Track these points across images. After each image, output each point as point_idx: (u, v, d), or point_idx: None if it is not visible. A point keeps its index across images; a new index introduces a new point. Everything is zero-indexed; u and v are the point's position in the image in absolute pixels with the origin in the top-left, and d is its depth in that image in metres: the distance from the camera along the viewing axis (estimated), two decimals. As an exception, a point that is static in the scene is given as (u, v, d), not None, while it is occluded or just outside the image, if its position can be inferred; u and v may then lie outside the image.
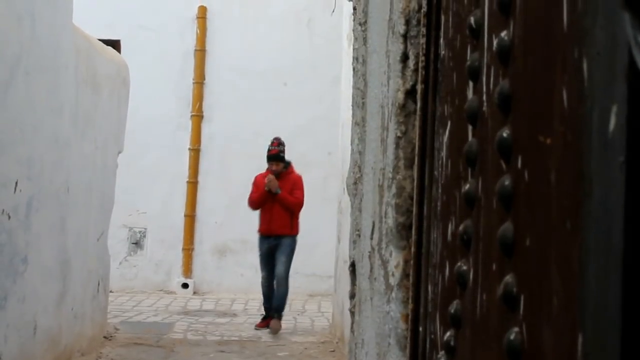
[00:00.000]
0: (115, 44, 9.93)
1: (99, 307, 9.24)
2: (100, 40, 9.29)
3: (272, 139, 10.70)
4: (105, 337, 9.55)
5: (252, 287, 12.81)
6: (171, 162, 13.97)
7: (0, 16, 6.12)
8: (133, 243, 14.11)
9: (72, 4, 7.93)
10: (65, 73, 7.68)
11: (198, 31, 14.38)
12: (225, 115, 14.03)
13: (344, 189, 9.85)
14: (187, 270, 13.89)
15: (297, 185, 10.65)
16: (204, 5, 14.39)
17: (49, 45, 7.17)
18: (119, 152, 9.79)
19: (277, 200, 10.47)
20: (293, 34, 14.28)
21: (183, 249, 13.99)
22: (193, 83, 14.33)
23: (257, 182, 10.75)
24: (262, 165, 12.72)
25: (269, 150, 10.61)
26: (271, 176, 10.47)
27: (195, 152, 14.18)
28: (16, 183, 6.45)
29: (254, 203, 10.72)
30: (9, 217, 6.34)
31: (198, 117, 14.29)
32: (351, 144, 2.60)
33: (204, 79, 14.36)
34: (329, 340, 10.35)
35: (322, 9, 13.24)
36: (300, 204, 10.61)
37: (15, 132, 6.43)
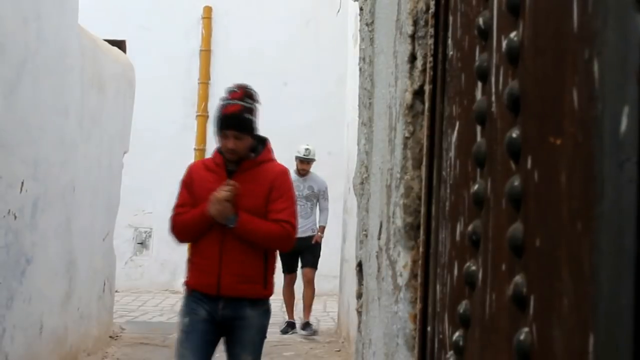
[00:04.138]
0: (120, 45, 9.92)
1: (105, 307, 9.25)
2: (105, 40, 9.30)
3: (230, 86, 5.14)
4: (111, 337, 9.57)
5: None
6: (177, 162, 13.95)
7: (6, 17, 6.13)
8: (139, 243, 14.13)
9: (77, 5, 7.94)
10: (71, 74, 7.69)
11: (203, 31, 14.40)
12: (230, 116, 14.03)
13: (349, 188, 9.83)
14: (193, 270, 13.89)
15: (280, 188, 4.91)
16: (209, 5, 14.40)
17: (55, 46, 7.18)
18: (125, 153, 9.80)
19: (236, 232, 4.78)
20: (298, 34, 14.29)
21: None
22: (198, 83, 14.35)
23: (193, 181, 5.04)
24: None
25: (221, 107, 4.94)
26: (226, 191, 4.73)
27: (201, 153, 14.19)
28: (22, 183, 6.46)
29: (182, 233, 5.08)
30: (15, 217, 6.35)
31: (203, 117, 14.31)
32: (358, 144, 2.60)
33: (209, 79, 14.38)
34: (335, 340, 10.35)
35: (327, 9, 13.24)
36: (291, 235, 4.88)
37: (22, 132, 6.44)
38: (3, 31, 6.07)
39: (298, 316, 11.08)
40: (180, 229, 5.02)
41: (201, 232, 4.87)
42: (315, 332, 10.62)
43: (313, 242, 10.78)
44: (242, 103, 4.87)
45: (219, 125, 4.87)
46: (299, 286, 10.94)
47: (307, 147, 10.75)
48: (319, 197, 10.90)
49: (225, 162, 4.92)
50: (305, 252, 10.70)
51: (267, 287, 4.94)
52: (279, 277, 12.15)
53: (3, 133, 6.07)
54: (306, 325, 10.69)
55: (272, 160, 5.04)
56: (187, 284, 5.13)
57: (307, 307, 10.83)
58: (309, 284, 10.82)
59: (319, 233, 10.90)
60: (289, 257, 10.47)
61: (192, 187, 4.99)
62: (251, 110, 4.89)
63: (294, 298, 10.90)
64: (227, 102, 4.90)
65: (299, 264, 10.91)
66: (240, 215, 4.72)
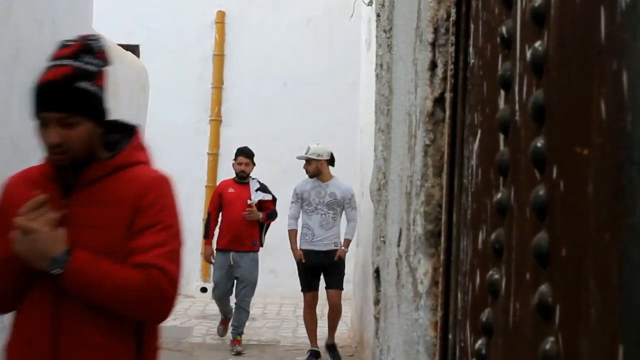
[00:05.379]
0: (134, 49, 9.96)
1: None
2: (119, 45, 9.33)
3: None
4: (124, 341, 9.57)
5: (271, 291, 12.82)
6: (190, 166, 13.99)
7: (21, 22, 6.15)
8: (152, 247, 14.13)
9: (92, 10, 7.96)
10: (86, 78, 7.71)
11: (217, 36, 14.42)
12: (243, 120, 14.05)
13: (362, 193, 9.82)
14: (206, 274, 13.91)
15: (149, 211, 2.76)
16: (223, 10, 14.42)
17: (70, 51, 7.20)
18: (138, 157, 9.81)
19: (67, 285, 2.66)
20: (311, 38, 14.29)
21: (202, 253, 14.02)
22: (212, 88, 14.36)
23: (7, 207, 2.84)
24: (282, 171, 12.71)
25: (40, 74, 2.85)
26: (33, 211, 2.66)
27: (214, 157, 14.21)
28: (37, 188, 6.47)
29: None
30: (31, 222, 6.36)
31: (217, 121, 14.33)
32: (375, 150, 2.60)
33: (223, 84, 14.40)
34: (348, 345, 10.34)
35: (341, 14, 13.24)
36: (163, 291, 2.70)
37: (36, 138, 6.45)
38: (18, 36, 6.09)
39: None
40: None
41: (10, 289, 2.77)
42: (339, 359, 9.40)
43: (336, 258, 9.49)
44: (72, 64, 2.74)
45: (33, 106, 2.89)
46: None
47: (309, 145, 9.68)
48: (343, 205, 9.64)
49: (58, 171, 2.86)
50: (328, 271, 9.57)
51: None
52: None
53: (18, 138, 6.09)
54: (331, 348, 9.48)
55: (143, 162, 2.98)
56: None
57: (332, 328, 9.60)
58: (336, 307, 9.57)
59: (343, 247, 9.63)
60: (308, 274, 9.55)
61: (6, 216, 2.77)
62: (91, 75, 2.76)
63: (316, 322, 9.61)
64: (48, 64, 2.84)
65: (322, 283, 9.68)
66: (75, 255, 2.63)
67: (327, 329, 9.67)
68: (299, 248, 9.62)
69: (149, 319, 2.83)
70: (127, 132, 3.04)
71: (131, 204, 2.75)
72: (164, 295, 2.71)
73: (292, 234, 9.71)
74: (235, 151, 10.16)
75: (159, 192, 2.84)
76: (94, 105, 2.78)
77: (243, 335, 9.93)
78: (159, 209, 2.79)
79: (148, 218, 2.74)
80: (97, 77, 2.78)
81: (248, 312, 9.95)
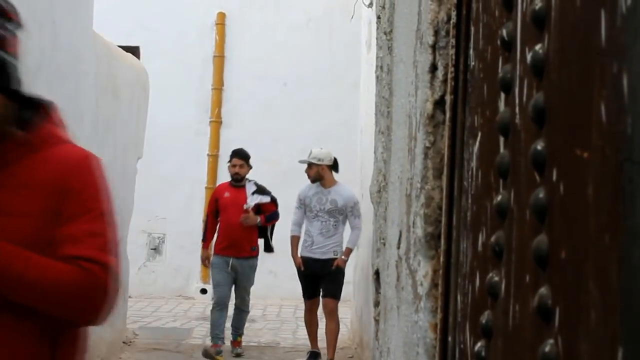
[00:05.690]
0: (134, 51, 9.95)
1: (118, 313, 9.26)
2: (120, 46, 9.33)
3: None
4: (124, 342, 9.59)
5: (270, 292, 12.83)
6: (190, 167, 14.00)
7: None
8: (152, 249, 14.15)
9: (92, 11, 7.97)
10: (86, 80, 7.71)
11: (217, 37, 14.43)
12: (243, 121, 14.06)
13: (362, 194, 9.81)
14: (206, 275, 13.89)
15: (77, 195, 2.34)
16: (223, 11, 14.44)
17: (70, 52, 7.20)
18: (139, 158, 9.82)
19: None
20: (311, 39, 14.30)
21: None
22: (212, 89, 14.37)
23: None
24: (282, 173, 12.71)
25: None
26: None
27: (214, 158, 14.21)
28: (37, 189, 6.47)
29: None
30: (31, 223, 6.35)
31: (217, 123, 14.34)
32: (375, 152, 2.60)
33: (223, 85, 14.41)
34: (348, 346, 10.34)
35: (341, 15, 13.25)
36: (101, 285, 2.27)
37: None
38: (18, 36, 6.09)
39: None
40: None
41: None
42: None
43: (333, 266, 9.13)
44: None
45: None
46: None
47: (312, 149, 9.39)
48: (346, 213, 9.26)
49: None
50: (326, 279, 9.23)
51: None
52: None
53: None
54: None
55: (63, 142, 2.53)
56: None
57: (332, 344, 9.22)
58: (331, 316, 9.22)
59: (343, 257, 9.29)
60: (307, 282, 9.35)
61: None
62: (1, 41, 2.34)
63: (316, 324, 9.47)
64: None
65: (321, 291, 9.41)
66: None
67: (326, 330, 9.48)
68: (299, 255, 9.41)
69: (85, 320, 2.38)
70: (41, 109, 2.56)
71: (56, 187, 2.33)
72: (106, 292, 2.29)
73: (294, 240, 9.49)
74: (230, 153, 9.93)
75: (91, 173, 2.44)
76: (5, 75, 2.35)
77: (243, 337, 9.92)
78: (93, 192, 2.39)
79: (80, 203, 2.34)
80: (7, 43, 2.35)
81: (248, 312, 9.91)
